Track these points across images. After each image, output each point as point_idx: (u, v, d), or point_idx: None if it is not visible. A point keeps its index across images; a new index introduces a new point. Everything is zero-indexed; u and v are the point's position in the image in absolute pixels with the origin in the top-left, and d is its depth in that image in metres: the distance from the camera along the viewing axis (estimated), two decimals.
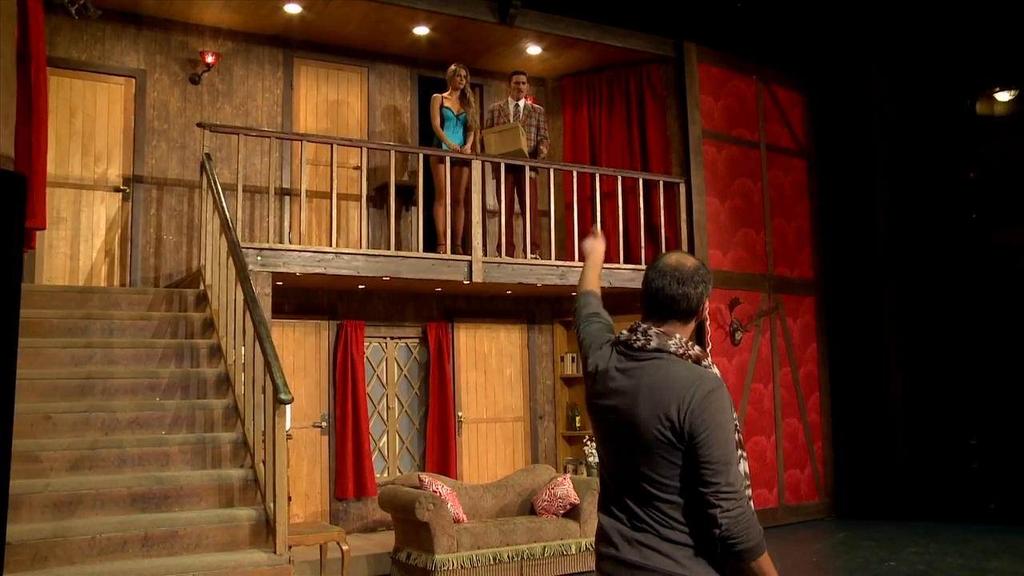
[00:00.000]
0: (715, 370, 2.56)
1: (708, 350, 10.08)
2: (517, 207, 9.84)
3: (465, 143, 9.55)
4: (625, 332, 2.64)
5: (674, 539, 2.48)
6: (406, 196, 9.96)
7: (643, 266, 9.93)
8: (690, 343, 2.58)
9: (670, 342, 2.54)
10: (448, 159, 9.00)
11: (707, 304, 2.67)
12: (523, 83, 9.93)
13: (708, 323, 10.11)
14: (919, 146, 11.66)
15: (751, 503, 2.50)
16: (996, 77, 11.30)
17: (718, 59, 10.93)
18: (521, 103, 9.93)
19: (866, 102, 11.77)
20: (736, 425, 2.53)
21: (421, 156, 9.25)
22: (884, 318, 11.45)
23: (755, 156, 11.21)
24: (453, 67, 9.57)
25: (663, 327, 2.59)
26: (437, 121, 9.44)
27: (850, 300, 11.74)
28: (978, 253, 11.22)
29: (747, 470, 2.57)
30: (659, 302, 2.59)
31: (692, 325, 2.63)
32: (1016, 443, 10.64)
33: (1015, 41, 10.73)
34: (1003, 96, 11.42)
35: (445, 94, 9.54)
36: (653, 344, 2.55)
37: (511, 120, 9.79)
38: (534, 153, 9.80)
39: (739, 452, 2.52)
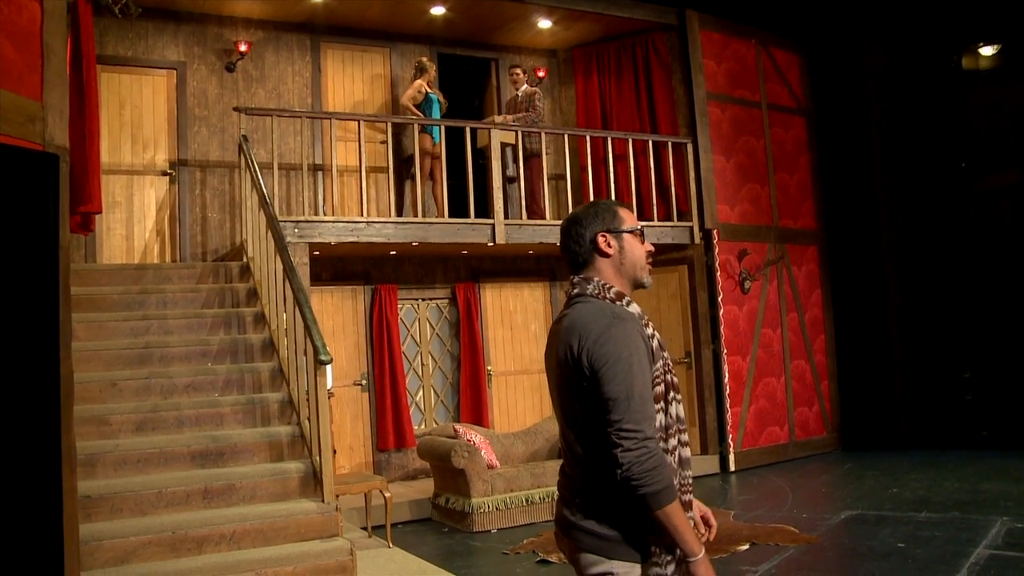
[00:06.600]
0: (634, 308, 2.42)
1: (721, 297, 10.13)
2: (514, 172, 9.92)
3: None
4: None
5: (597, 500, 2.33)
6: None
7: (656, 222, 10.02)
8: (608, 284, 2.47)
9: (588, 286, 2.47)
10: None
11: (624, 228, 2.53)
12: (518, 74, 10.16)
13: (718, 273, 10.16)
14: (910, 101, 11.49)
15: (678, 449, 2.32)
16: (979, 32, 11.07)
17: (718, 25, 10.82)
18: (521, 90, 10.05)
19: (860, 61, 11.62)
20: (668, 366, 2.38)
21: (443, 128, 9.29)
22: (883, 263, 11.40)
23: (757, 115, 11.13)
24: (425, 59, 9.65)
25: (583, 275, 2.53)
26: (419, 101, 9.47)
27: (851, 247, 11.69)
28: (968, 198, 11.10)
29: (680, 414, 2.39)
30: (570, 260, 2.56)
31: (609, 260, 2.52)
32: (1006, 375, 10.61)
33: None
34: (986, 51, 11.19)
35: (424, 82, 9.53)
36: (576, 291, 2.51)
37: (516, 104, 10.03)
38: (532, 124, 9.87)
39: (671, 395, 2.37)
